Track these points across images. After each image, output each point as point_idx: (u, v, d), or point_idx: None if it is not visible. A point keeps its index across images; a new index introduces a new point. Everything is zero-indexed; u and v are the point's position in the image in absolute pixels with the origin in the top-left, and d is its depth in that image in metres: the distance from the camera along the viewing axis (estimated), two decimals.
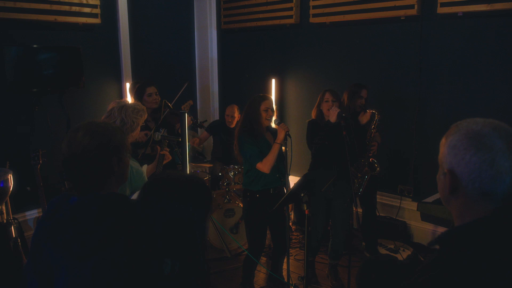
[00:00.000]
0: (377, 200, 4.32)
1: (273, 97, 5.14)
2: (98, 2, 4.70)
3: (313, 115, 3.71)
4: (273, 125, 3.50)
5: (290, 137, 3.22)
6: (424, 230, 4.34)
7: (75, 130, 1.46)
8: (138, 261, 1.26)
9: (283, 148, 3.30)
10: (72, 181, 1.45)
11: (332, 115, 3.41)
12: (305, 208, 3.00)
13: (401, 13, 4.20)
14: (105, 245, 1.29)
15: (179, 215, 1.31)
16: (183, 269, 1.26)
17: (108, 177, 1.44)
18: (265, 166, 3.21)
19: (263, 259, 4.24)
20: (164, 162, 3.00)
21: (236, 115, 4.90)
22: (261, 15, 5.39)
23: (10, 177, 3.51)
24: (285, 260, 3.40)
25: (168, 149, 3.04)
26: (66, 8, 4.44)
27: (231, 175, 4.46)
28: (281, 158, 3.29)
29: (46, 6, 4.31)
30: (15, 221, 3.68)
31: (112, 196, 1.40)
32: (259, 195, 3.32)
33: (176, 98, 4.18)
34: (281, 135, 3.18)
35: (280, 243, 3.46)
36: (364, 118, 3.81)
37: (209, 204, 1.42)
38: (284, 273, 3.52)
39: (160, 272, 1.24)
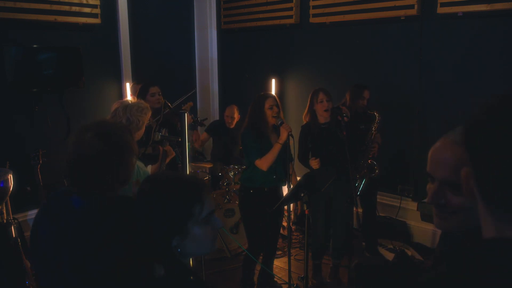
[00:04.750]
0: (377, 200, 4.32)
1: None
2: (98, 2, 4.70)
3: (306, 118, 3.63)
4: None
5: (293, 137, 3.20)
6: (424, 230, 4.33)
7: (84, 130, 1.43)
8: (137, 262, 1.24)
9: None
10: (76, 182, 1.42)
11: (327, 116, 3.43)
12: (305, 208, 2.99)
13: (401, 13, 4.20)
14: (109, 248, 1.28)
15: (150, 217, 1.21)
16: (172, 270, 1.20)
17: (113, 179, 1.43)
18: (263, 164, 3.21)
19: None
20: (168, 159, 2.99)
21: (236, 115, 4.88)
22: (261, 15, 5.39)
23: (10, 177, 3.50)
24: (286, 260, 3.39)
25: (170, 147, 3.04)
26: (66, 8, 4.44)
27: (231, 175, 4.46)
28: (283, 161, 3.25)
29: (46, 6, 4.30)
30: (15, 221, 3.67)
31: (118, 199, 1.39)
32: (253, 190, 3.33)
33: (179, 101, 4.18)
34: (283, 136, 3.16)
35: (271, 244, 3.48)
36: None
37: (195, 201, 1.25)
38: (285, 273, 3.52)
39: (153, 273, 1.20)
